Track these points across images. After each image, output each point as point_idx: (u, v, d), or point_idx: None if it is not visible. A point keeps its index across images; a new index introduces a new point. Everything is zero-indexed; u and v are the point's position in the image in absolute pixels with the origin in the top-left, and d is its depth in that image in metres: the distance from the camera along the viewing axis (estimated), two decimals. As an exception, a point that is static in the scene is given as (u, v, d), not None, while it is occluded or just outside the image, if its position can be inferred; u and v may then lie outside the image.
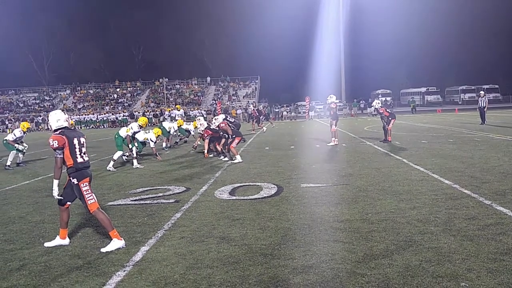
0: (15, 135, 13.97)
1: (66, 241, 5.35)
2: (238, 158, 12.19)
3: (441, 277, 3.82)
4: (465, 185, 7.46)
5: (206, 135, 13.88)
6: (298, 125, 32.66)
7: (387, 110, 16.20)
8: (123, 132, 12.95)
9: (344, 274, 3.99)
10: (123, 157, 13.45)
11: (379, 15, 54.37)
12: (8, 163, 13.52)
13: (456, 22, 62.93)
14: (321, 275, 4.01)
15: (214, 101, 53.93)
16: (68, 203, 5.32)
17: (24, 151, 14.42)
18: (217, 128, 13.05)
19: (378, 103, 16.58)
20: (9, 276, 4.40)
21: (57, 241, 5.33)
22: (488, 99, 24.31)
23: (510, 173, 8.46)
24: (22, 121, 16.96)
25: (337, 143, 15.58)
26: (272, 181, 8.86)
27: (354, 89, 55.78)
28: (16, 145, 13.93)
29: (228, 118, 15.92)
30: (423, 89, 61.07)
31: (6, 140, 14.09)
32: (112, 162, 12.19)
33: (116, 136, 12.98)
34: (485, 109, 23.18)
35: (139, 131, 13.12)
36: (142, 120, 13.19)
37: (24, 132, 14.28)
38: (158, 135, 14.47)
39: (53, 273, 4.41)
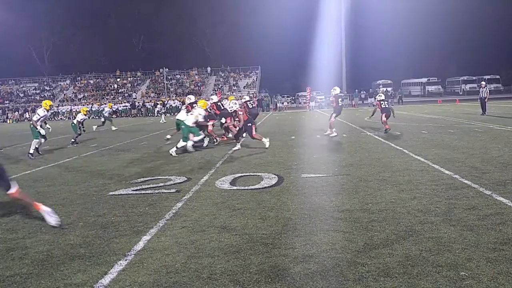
0: (39, 114, 13.62)
1: (44, 207, 5.68)
2: (238, 146, 12.32)
3: (441, 267, 3.84)
4: (465, 176, 7.47)
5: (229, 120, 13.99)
6: (298, 116, 32.60)
7: (382, 104, 16.03)
8: (190, 120, 12.58)
9: (344, 264, 4.01)
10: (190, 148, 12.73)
11: (380, 5, 54.00)
12: (31, 151, 13.23)
13: (457, 12, 62.54)
14: (322, 264, 4.03)
15: (214, 91, 53.69)
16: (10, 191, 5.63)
17: (46, 135, 13.92)
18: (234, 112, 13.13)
19: (380, 96, 16.61)
20: (11, 265, 4.43)
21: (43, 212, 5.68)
22: (489, 90, 24.27)
23: (510, 163, 8.46)
24: (44, 100, 16.37)
25: (334, 134, 15.61)
26: (272, 171, 8.87)
27: (355, 79, 55.72)
28: (39, 128, 13.41)
29: (250, 102, 15.92)
30: (424, 80, 60.87)
31: (31, 123, 13.67)
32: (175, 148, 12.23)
33: (183, 126, 12.67)
34: (486, 100, 23.16)
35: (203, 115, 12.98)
36: (202, 102, 13.21)
37: (47, 111, 13.93)
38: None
39: (55, 262, 4.44)
